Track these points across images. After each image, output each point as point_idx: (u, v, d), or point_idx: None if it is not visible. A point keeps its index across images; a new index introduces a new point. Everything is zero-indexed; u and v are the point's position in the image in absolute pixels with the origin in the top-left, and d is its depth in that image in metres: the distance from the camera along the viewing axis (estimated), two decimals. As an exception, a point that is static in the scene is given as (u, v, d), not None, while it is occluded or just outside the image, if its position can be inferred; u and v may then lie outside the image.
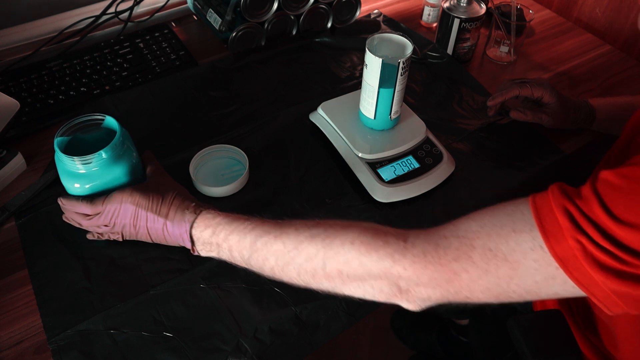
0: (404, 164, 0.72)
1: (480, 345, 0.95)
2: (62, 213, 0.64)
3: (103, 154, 0.58)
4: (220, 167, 0.75)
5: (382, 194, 0.70)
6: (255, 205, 0.71)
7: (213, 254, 0.59)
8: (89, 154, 0.58)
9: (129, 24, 0.99)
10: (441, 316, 1.27)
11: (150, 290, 0.61)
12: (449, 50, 0.96)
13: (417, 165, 0.73)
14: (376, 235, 0.51)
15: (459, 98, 0.89)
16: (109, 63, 0.90)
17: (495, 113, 0.83)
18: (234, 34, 0.90)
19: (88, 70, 0.88)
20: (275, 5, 0.91)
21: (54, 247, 0.65)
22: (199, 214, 0.58)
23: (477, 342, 0.97)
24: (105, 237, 0.63)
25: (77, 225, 0.63)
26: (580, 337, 0.69)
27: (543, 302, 0.79)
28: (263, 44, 0.95)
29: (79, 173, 0.59)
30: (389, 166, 0.72)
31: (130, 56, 0.92)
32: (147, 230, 0.60)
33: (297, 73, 0.92)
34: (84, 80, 0.87)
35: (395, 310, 1.36)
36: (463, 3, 0.91)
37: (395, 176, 0.71)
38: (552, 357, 0.62)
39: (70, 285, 0.61)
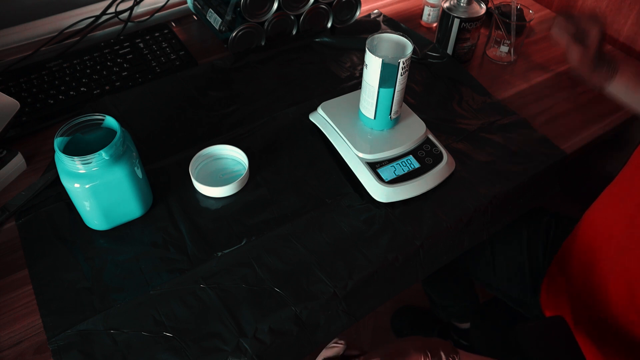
0: (404, 164, 0.72)
1: (482, 350, 0.95)
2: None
3: (103, 154, 0.58)
4: (220, 167, 0.75)
5: (382, 194, 0.70)
6: (255, 205, 0.71)
7: None
8: (89, 154, 0.58)
9: (129, 24, 0.99)
10: (442, 319, 1.27)
11: (150, 290, 0.61)
12: (449, 50, 0.96)
13: (417, 165, 0.73)
14: None
15: (459, 98, 0.89)
16: (109, 63, 0.90)
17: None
18: (234, 34, 0.90)
19: (88, 70, 0.88)
20: (275, 5, 0.91)
21: (54, 247, 0.65)
22: None
23: (479, 346, 0.97)
24: None
25: None
26: (585, 345, 0.69)
27: (553, 308, 0.78)
28: (263, 44, 0.95)
29: (79, 173, 0.59)
30: (389, 166, 0.72)
31: (130, 56, 0.92)
32: None
33: (297, 73, 0.92)
34: (84, 80, 0.87)
35: (396, 310, 1.36)
36: (463, 3, 0.91)
37: (395, 176, 0.71)
38: None
39: (70, 285, 0.61)
